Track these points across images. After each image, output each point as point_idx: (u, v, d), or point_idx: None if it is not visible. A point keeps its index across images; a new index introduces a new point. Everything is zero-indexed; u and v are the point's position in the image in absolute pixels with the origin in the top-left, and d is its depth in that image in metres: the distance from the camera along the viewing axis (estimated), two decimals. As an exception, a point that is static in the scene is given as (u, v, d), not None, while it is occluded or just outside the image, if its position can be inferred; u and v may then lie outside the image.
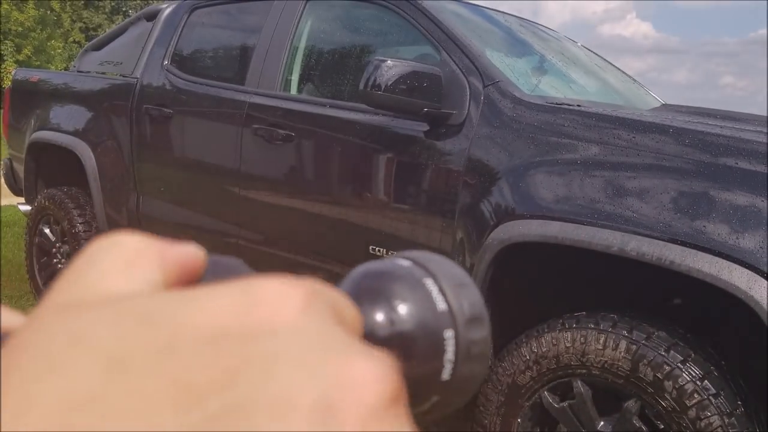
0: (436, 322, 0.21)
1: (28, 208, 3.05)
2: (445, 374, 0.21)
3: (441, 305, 0.21)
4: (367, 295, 0.22)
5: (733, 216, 1.26)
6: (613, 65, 2.66)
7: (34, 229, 2.96)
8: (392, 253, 0.23)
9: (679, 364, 1.28)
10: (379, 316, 0.21)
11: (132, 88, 2.56)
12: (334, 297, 0.16)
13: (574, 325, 1.40)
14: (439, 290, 0.21)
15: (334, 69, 2.19)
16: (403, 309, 0.21)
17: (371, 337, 0.20)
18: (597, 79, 2.36)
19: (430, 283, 0.21)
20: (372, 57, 1.78)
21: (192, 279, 0.17)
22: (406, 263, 0.22)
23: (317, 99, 2.09)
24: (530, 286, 1.64)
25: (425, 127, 1.69)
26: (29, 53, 18.11)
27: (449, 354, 0.21)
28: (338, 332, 0.14)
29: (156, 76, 2.52)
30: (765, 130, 1.44)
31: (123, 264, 0.15)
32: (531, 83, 1.92)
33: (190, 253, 0.16)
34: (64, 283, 0.15)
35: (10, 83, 3.25)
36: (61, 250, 2.86)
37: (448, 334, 0.21)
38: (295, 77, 2.18)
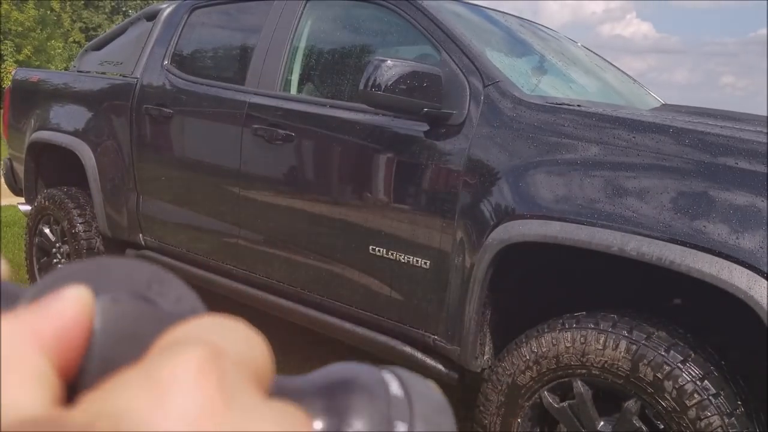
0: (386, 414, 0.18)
1: (28, 208, 3.05)
2: None
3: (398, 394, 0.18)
4: (333, 394, 0.19)
5: (733, 216, 1.26)
6: (613, 65, 2.66)
7: (34, 229, 2.96)
8: (386, 367, 0.20)
9: (679, 364, 1.27)
10: (320, 425, 0.18)
11: (132, 88, 2.56)
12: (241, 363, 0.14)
13: (574, 325, 1.40)
14: (401, 385, 0.19)
15: (334, 69, 2.19)
16: (353, 419, 0.18)
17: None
18: (597, 79, 2.36)
19: (401, 428, 0.18)
20: (372, 57, 1.78)
21: (82, 337, 0.14)
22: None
23: (317, 99, 2.09)
24: (530, 286, 1.64)
25: (425, 127, 1.69)
26: (29, 53, 18.10)
27: None
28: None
29: (156, 76, 2.52)
30: (765, 130, 1.44)
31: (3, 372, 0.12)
32: (531, 83, 1.92)
33: (68, 311, 0.14)
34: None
35: (10, 83, 3.25)
36: (61, 250, 2.86)
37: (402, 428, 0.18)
38: (295, 77, 2.18)
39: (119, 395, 0.12)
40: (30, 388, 0.12)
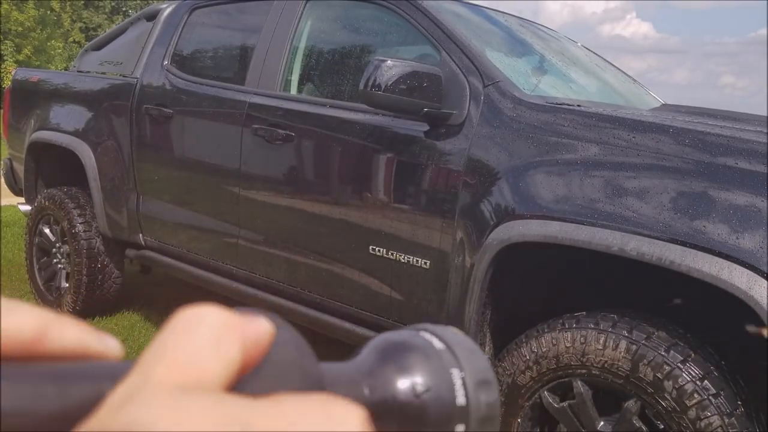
0: (450, 414, 0.21)
1: (28, 208, 3.05)
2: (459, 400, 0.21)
3: (460, 399, 0.21)
4: (394, 362, 0.22)
5: (733, 216, 1.26)
6: (613, 65, 2.66)
7: (34, 229, 2.96)
8: (420, 326, 0.23)
9: (679, 364, 1.27)
10: (400, 389, 0.21)
11: (132, 88, 2.56)
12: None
13: (574, 325, 1.40)
14: (462, 384, 0.21)
15: (334, 69, 2.19)
16: (422, 388, 0.21)
17: (387, 402, 0.21)
18: (597, 79, 2.36)
19: (456, 374, 0.22)
20: (372, 57, 1.78)
21: (260, 354, 0.18)
22: (439, 345, 0.22)
23: (317, 99, 2.09)
24: (530, 286, 1.64)
25: (425, 127, 1.69)
26: (29, 53, 18.10)
27: (461, 426, 0.21)
28: None
29: (156, 76, 2.52)
30: (765, 130, 1.44)
31: (212, 340, 0.16)
32: (531, 83, 1.92)
33: (261, 329, 0.18)
34: (156, 354, 0.16)
35: (10, 83, 3.25)
36: (61, 250, 2.86)
37: (459, 428, 0.21)
38: (295, 77, 2.19)
39: (288, 410, 0.16)
40: (221, 365, 0.16)
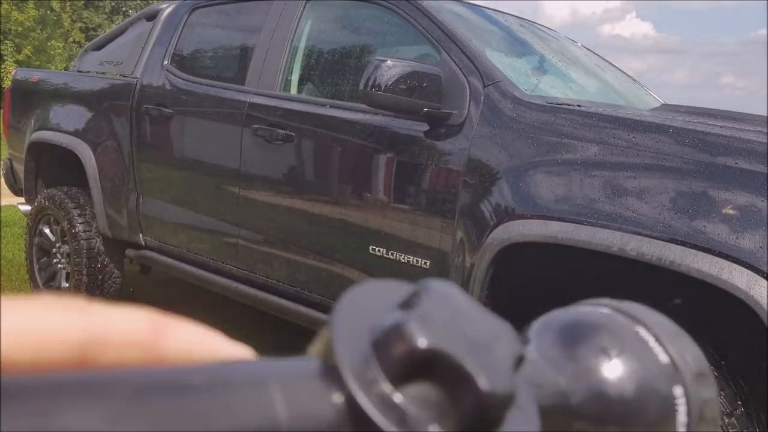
0: (661, 378, 0.18)
1: (28, 208, 3.05)
2: None
3: (663, 357, 0.18)
4: (566, 351, 0.18)
5: (733, 216, 1.26)
6: (613, 65, 2.66)
7: (34, 229, 2.96)
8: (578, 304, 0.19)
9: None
10: (607, 379, 0.17)
11: (132, 88, 2.56)
12: None
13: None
14: (656, 340, 0.18)
15: (334, 69, 2.19)
16: (618, 365, 0.18)
17: (591, 396, 0.17)
18: (597, 79, 2.36)
19: (643, 332, 0.18)
20: (372, 57, 1.78)
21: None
22: (605, 310, 0.19)
23: (317, 99, 2.09)
24: (530, 286, 1.64)
25: (425, 127, 1.69)
26: (29, 53, 18.10)
27: (681, 415, 0.18)
28: None
29: (156, 76, 2.52)
30: (765, 130, 1.44)
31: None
32: (531, 83, 1.92)
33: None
34: None
35: (10, 83, 3.25)
36: (61, 250, 2.86)
37: (678, 391, 0.18)
38: (295, 77, 2.19)
39: None
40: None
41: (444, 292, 0.16)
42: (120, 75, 2.76)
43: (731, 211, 1.27)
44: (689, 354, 0.19)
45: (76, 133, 2.73)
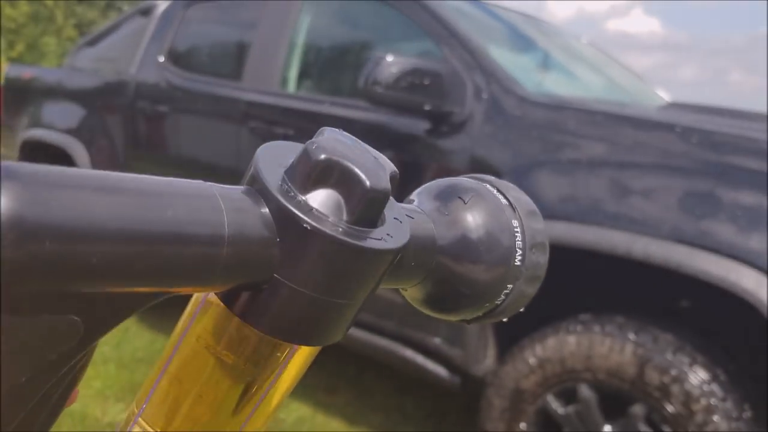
0: (503, 215, 0.25)
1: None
2: (517, 260, 0.25)
3: (503, 201, 0.26)
4: (440, 202, 0.25)
5: (742, 217, 1.24)
6: (619, 62, 2.63)
7: (27, 228, 2.91)
8: None
9: (685, 368, 1.25)
10: (458, 218, 0.25)
11: (127, 85, 2.52)
12: None
13: (579, 329, 1.38)
14: (498, 191, 0.26)
15: (334, 65, 2.16)
16: (475, 209, 0.25)
17: (456, 237, 0.24)
18: (602, 77, 2.33)
19: (490, 188, 0.26)
20: (372, 53, 1.74)
21: None
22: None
23: (316, 96, 2.06)
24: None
25: (427, 125, 1.66)
26: (22, 50, 17.95)
27: (519, 241, 0.25)
28: None
29: (151, 72, 2.48)
30: (774, 129, 1.42)
31: None
32: (535, 80, 1.89)
33: None
34: None
35: (2, 80, 3.20)
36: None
37: (515, 223, 0.25)
38: (293, 74, 2.15)
39: None
40: None
41: (336, 132, 0.21)
42: (114, 72, 2.71)
43: (739, 212, 1.24)
44: (522, 199, 0.26)
45: (69, 132, 2.68)
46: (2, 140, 3.17)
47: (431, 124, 1.65)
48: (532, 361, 1.41)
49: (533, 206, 0.26)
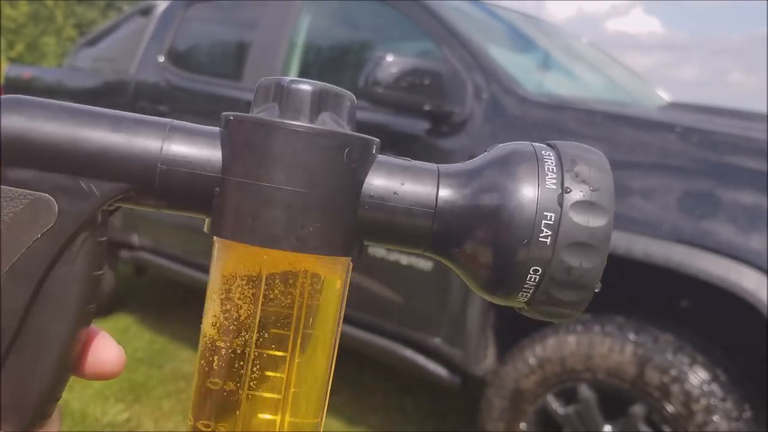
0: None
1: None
2: (541, 240, 0.21)
3: (548, 168, 0.22)
4: (504, 170, 0.23)
5: (742, 216, 1.24)
6: (619, 62, 2.63)
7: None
8: None
9: (685, 368, 1.25)
10: (491, 197, 0.22)
11: (127, 84, 2.52)
12: None
13: (579, 329, 1.38)
14: (555, 157, 0.22)
15: (334, 65, 2.15)
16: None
17: (480, 204, 0.22)
18: (602, 77, 2.33)
19: (546, 151, 0.23)
20: (372, 53, 1.74)
21: None
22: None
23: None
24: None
25: (427, 125, 1.66)
26: (22, 50, 17.94)
27: (547, 220, 0.21)
28: None
29: (151, 72, 2.48)
30: (774, 129, 1.42)
31: None
32: (535, 80, 1.89)
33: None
34: None
35: (2, 80, 3.20)
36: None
37: (546, 196, 0.22)
38: (293, 74, 2.15)
39: None
40: None
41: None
42: (114, 72, 2.71)
43: (739, 212, 1.24)
44: (586, 176, 0.22)
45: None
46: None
47: (431, 124, 1.65)
48: (532, 361, 1.41)
49: (595, 196, 0.21)
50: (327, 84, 0.23)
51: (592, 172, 0.21)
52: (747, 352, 1.38)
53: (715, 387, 1.24)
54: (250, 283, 0.22)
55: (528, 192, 0.21)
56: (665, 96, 2.41)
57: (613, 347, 1.32)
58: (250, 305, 0.21)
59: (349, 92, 0.24)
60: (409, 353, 1.68)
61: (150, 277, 3.07)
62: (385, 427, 1.98)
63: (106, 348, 0.24)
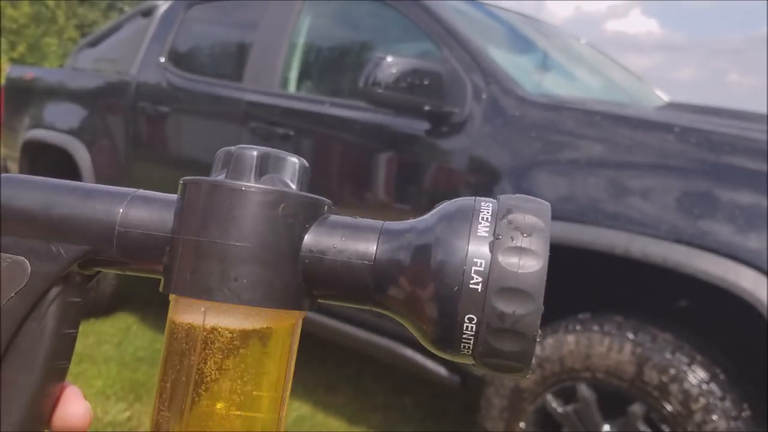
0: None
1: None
2: (471, 285, 0.21)
3: (481, 217, 0.22)
4: (443, 225, 0.23)
5: (740, 216, 1.24)
6: (617, 63, 2.63)
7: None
8: None
9: (684, 367, 1.26)
10: (416, 252, 0.23)
11: (128, 85, 2.53)
12: None
13: (578, 328, 1.38)
14: (490, 207, 0.23)
15: (334, 66, 2.16)
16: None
17: (417, 260, 0.22)
18: (601, 77, 2.34)
19: (485, 202, 0.23)
20: (372, 54, 1.75)
21: None
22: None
23: (316, 97, 2.06)
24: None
25: (426, 125, 1.66)
26: (23, 50, 17.97)
27: (476, 266, 0.21)
28: None
29: (152, 73, 2.49)
30: (772, 129, 1.42)
31: None
32: (534, 81, 1.90)
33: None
34: None
35: (4, 81, 3.21)
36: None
37: (474, 246, 0.22)
38: (293, 74, 2.16)
39: None
40: None
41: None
42: (115, 72, 2.72)
43: (737, 212, 1.25)
44: (520, 224, 0.22)
45: (70, 132, 2.69)
46: (4, 141, 3.18)
47: (431, 125, 1.66)
48: (531, 360, 1.42)
49: (526, 242, 0.21)
50: (273, 149, 0.24)
51: (526, 219, 0.21)
52: (745, 351, 1.38)
53: (713, 386, 1.24)
54: (190, 336, 0.22)
55: (460, 241, 0.21)
56: (664, 96, 2.42)
57: (612, 346, 1.32)
58: (191, 357, 0.22)
59: (299, 157, 0.26)
60: (408, 352, 1.68)
61: (151, 278, 3.08)
62: (385, 426, 1.98)
63: (73, 403, 0.24)
